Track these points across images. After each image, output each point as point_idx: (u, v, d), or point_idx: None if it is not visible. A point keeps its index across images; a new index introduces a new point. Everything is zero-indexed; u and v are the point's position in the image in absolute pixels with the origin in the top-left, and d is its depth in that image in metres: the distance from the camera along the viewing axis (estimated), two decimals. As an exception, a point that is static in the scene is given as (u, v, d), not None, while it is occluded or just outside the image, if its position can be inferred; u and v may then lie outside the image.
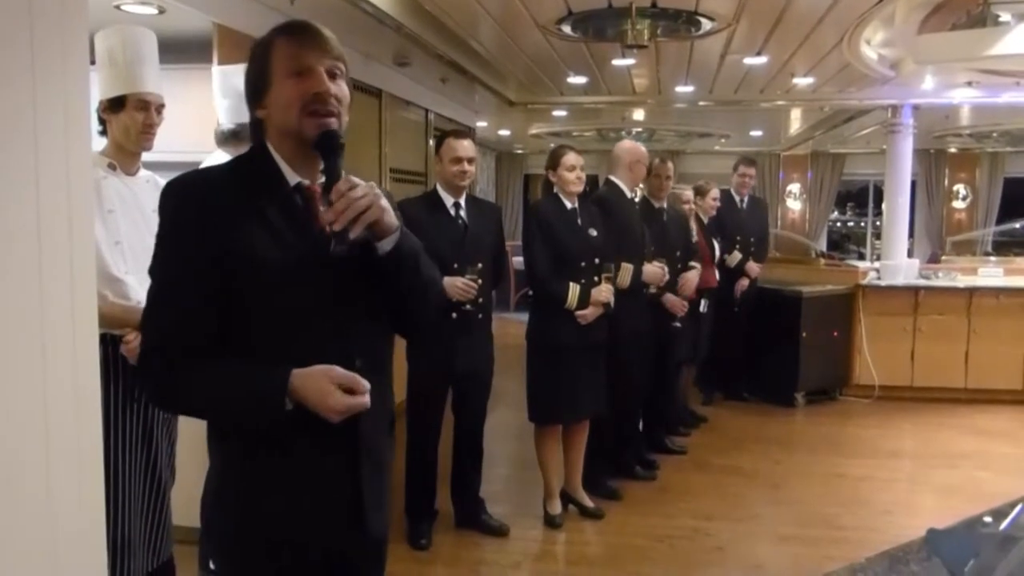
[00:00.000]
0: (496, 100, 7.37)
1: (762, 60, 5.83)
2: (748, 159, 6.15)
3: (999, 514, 1.18)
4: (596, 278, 3.58)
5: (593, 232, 3.64)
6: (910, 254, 7.82)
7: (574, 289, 3.51)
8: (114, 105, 2.36)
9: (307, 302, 1.38)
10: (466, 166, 3.37)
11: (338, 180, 1.33)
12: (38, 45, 1.59)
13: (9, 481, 1.56)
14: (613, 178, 4.07)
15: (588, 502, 3.89)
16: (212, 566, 1.48)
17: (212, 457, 1.47)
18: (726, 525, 3.81)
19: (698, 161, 12.48)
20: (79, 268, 1.71)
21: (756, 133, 11.08)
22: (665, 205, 4.55)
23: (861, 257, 12.36)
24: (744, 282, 5.77)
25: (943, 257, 10.01)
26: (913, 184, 8.50)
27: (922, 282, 6.36)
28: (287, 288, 1.36)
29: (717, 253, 5.46)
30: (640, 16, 4.54)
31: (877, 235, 11.61)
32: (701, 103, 7.77)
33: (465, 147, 3.39)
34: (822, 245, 12.51)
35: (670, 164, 4.57)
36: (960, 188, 11.94)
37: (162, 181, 2.43)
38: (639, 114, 9.33)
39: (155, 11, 3.42)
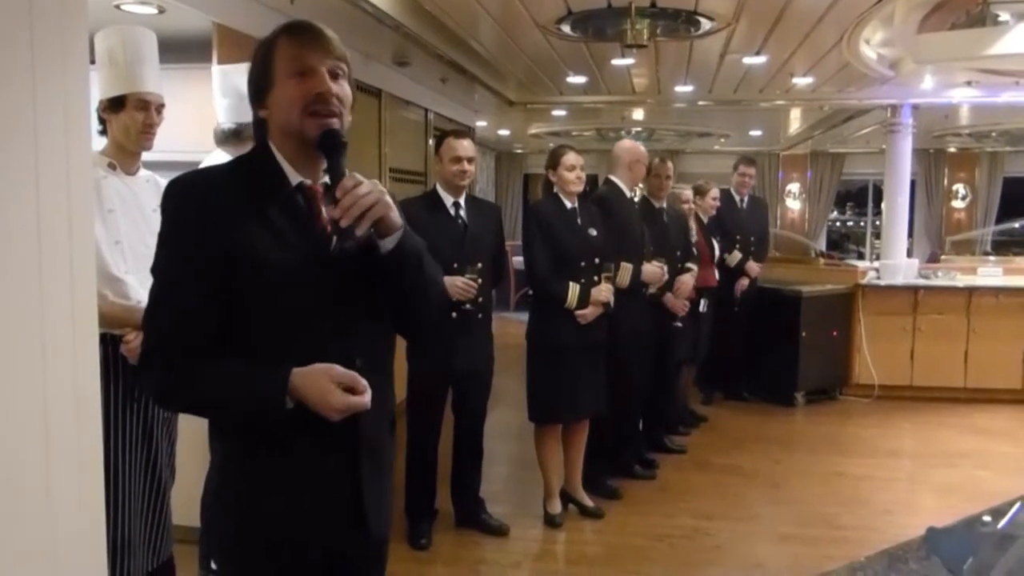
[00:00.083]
0: (496, 100, 7.37)
1: (761, 60, 5.83)
2: (748, 159, 6.15)
3: (998, 513, 1.18)
4: (596, 278, 3.58)
5: (593, 232, 3.64)
6: (909, 254, 7.82)
7: (574, 289, 3.52)
8: (114, 105, 2.36)
9: (308, 302, 1.38)
10: (466, 166, 3.37)
11: (342, 178, 1.33)
12: (38, 45, 1.59)
13: (9, 481, 1.56)
14: (613, 178, 4.07)
15: (588, 501, 3.89)
16: (214, 566, 1.48)
17: (213, 455, 1.48)
18: (726, 524, 3.81)
19: (698, 161, 12.48)
20: (79, 268, 1.71)
21: (755, 133, 11.08)
22: (665, 205, 4.56)
23: (860, 257, 12.37)
24: (744, 282, 5.77)
25: (942, 257, 10.00)
26: (912, 184, 8.51)
27: (921, 282, 6.36)
28: (288, 288, 1.36)
29: (717, 253, 5.46)
30: (639, 16, 4.54)
31: (876, 235, 11.62)
32: (700, 103, 7.77)
33: (465, 147, 3.39)
34: (821, 245, 12.51)
35: (670, 164, 4.57)
36: (959, 188, 11.94)
37: (162, 181, 2.43)
38: (639, 114, 9.33)
39: (155, 11, 3.42)
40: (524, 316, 3.86)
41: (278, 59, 1.39)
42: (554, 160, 3.65)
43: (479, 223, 3.46)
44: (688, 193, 5.03)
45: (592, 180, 4.71)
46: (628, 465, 4.34)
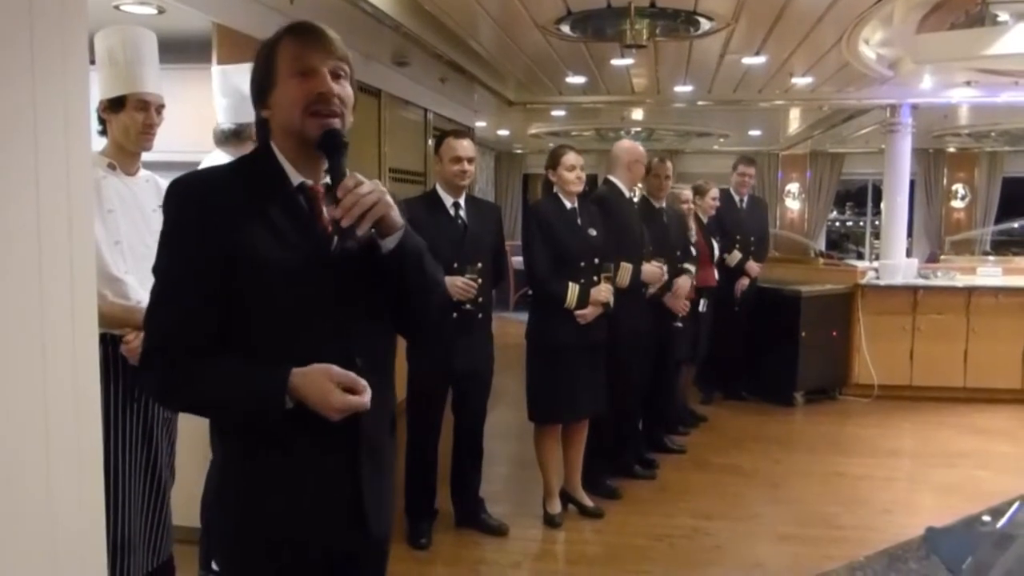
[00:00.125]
0: (495, 100, 7.37)
1: (761, 60, 5.83)
2: (747, 158, 6.15)
3: (997, 512, 1.18)
4: (595, 278, 3.58)
5: (593, 232, 3.64)
6: (909, 253, 7.82)
7: (573, 289, 3.52)
8: (114, 105, 2.36)
9: (308, 302, 1.38)
10: (466, 166, 3.37)
11: (343, 178, 1.34)
12: (38, 45, 1.59)
13: (9, 481, 1.56)
14: (612, 178, 4.07)
15: (588, 501, 3.89)
16: (215, 567, 1.49)
17: (214, 454, 1.48)
18: (725, 524, 3.81)
19: (697, 160, 12.49)
20: (79, 268, 1.71)
21: (755, 133, 11.09)
22: (664, 205, 4.56)
23: (860, 256, 12.38)
24: (744, 281, 5.77)
25: (942, 256, 10.01)
26: (912, 183, 8.51)
27: (921, 281, 6.37)
28: (289, 288, 1.36)
29: (716, 253, 5.46)
30: (639, 16, 4.54)
31: (876, 234, 11.62)
32: (700, 103, 7.77)
33: (465, 147, 3.40)
34: (821, 245, 12.52)
35: (669, 164, 4.57)
36: (959, 187, 11.95)
37: (162, 181, 2.43)
38: (638, 114, 9.33)
39: (155, 11, 3.42)
40: (524, 316, 3.87)
41: (280, 59, 1.40)
42: (554, 160, 3.65)
43: (479, 223, 3.46)
44: (688, 193, 5.03)
45: (592, 180, 4.71)
46: (628, 465, 4.34)
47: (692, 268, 4.71)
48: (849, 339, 6.30)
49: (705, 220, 5.41)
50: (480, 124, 8.88)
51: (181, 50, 3.28)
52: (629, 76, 6.78)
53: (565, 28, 4.96)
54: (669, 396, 4.89)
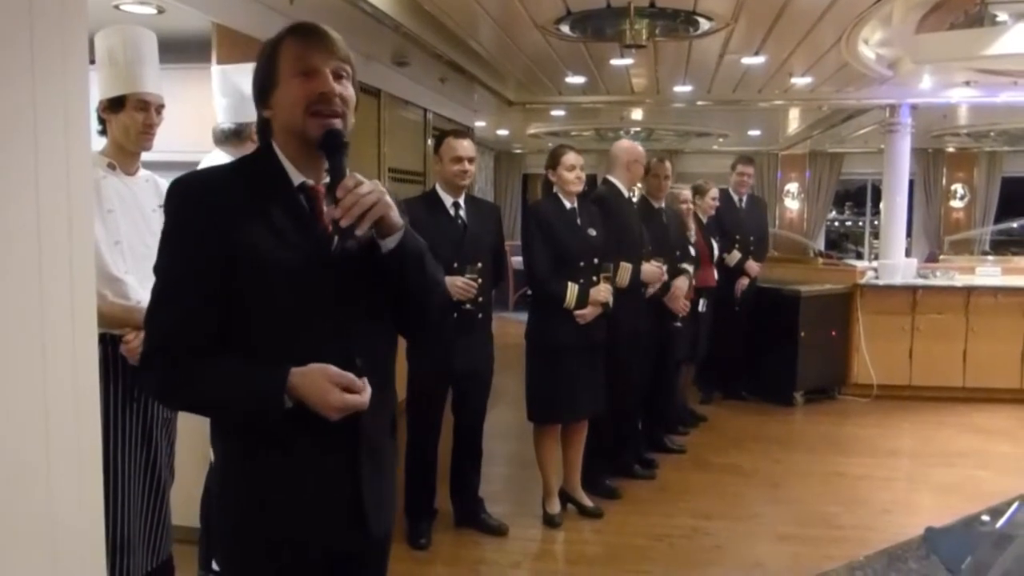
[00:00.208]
0: (495, 100, 7.37)
1: (760, 60, 5.83)
2: (746, 158, 6.15)
3: (996, 512, 1.18)
4: (595, 278, 3.58)
5: (592, 232, 3.64)
6: (908, 253, 7.82)
7: (573, 289, 3.52)
8: (114, 105, 2.36)
9: (309, 302, 1.38)
10: (467, 165, 3.37)
11: (343, 178, 1.34)
12: (38, 45, 1.59)
13: (9, 481, 1.56)
14: (611, 178, 4.07)
15: (587, 501, 3.89)
16: (215, 567, 1.49)
17: (215, 454, 1.49)
18: (725, 524, 3.81)
19: (696, 160, 12.49)
20: (79, 268, 1.71)
21: (754, 132, 11.08)
22: (663, 205, 4.56)
23: (859, 256, 12.37)
24: (744, 281, 5.78)
25: (941, 256, 10.01)
26: (911, 183, 8.51)
27: (920, 281, 6.37)
28: (289, 288, 1.37)
29: (716, 253, 5.46)
30: (638, 16, 4.54)
31: (875, 234, 11.62)
32: (699, 103, 7.77)
33: (465, 147, 3.40)
34: (820, 244, 12.52)
35: (668, 163, 4.58)
36: (958, 187, 11.95)
37: (162, 181, 2.43)
38: (637, 114, 9.33)
39: (154, 11, 3.42)
40: (523, 316, 3.87)
41: (283, 59, 1.40)
42: (554, 160, 3.65)
43: (479, 223, 3.46)
44: (687, 193, 5.03)
45: (591, 180, 4.70)
46: (627, 465, 4.34)
47: (690, 268, 4.70)
48: (848, 339, 6.31)
49: (704, 220, 5.42)
50: (480, 124, 8.88)
51: (181, 50, 3.28)
52: (628, 76, 6.78)
53: (565, 28, 4.96)
54: (669, 396, 4.90)
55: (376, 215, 1.33)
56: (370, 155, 5.37)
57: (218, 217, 1.34)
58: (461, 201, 3.43)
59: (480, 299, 3.37)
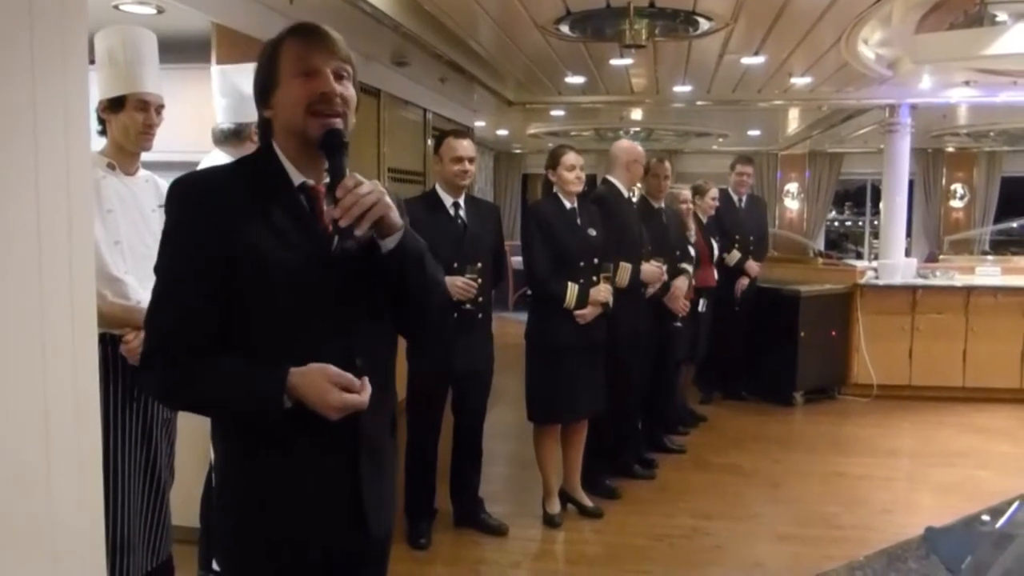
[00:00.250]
0: (494, 100, 7.37)
1: (760, 60, 5.83)
2: (745, 158, 6.16)
3: (996, 512, 1.19)
4: (595, 278, 3.58)
5: (592, 232, 3.64)
6: (908, 253, 7.82)
7: (573, 289, 3.52)
8: (114, 105, 2.36)
9: (309, 302, 1.38)
10: (467, 165, 3.37)
11: (343, 178, 1.34)
12: (38, 45, 1.59)
13: (9, 481, 1.56)
14: (610, 178, 4.07)
15: (587, 501, 3.89)
16: (215, 567, 1.49)
17: (216, 454, 1.49)
18: (725, 524, 3.81)
19: (696, 160, 12.49)
20: (79, 268, 1.71)
21: (754, 132, 11.09)
22: (663, 205, 4.56)
23: (859, 256, 12.38)
24: (744, 281, 5.78)
25: (941, 256, 10.02)
26: (911, 183, 8.51)
27: (920, 281, 6.37)
28: (289, 288, 1.37)
29: (715, 252, 5.46)
30: (638, 16, 4.54)
31: (875, 234, 11.63)
32: (699, 103, 7.77)
33: (465, 147, 3.40)
34: (820, 244, 12.52)
35: (667, 163, 4.58)
36: (958, 187, 11.95)
37: (162, 181, 2.43)
38: (637, 114, 9.33)
39: (154, 11, 3.42)
40: (523, 316, 3.87)
41: (283, 59, 1.40)
42: (554, 160, 3.65)
43: (478, 223, 3.46)
44: (687, 193, 5.03)
45: (591, 180, 4.71)
46: (627, 465, 4.34)
47: (689, 268, 4.70)
48: (848, 339, 6.31)
49: (704, 220, 5.42)
50: (479, 124, 8.88)
51: (181, 50, 3.28)
52: (628, 76, 6.78)
53: (564, 28, 4.96)
54: (669, 396, 4.90)
55: (376, 215, 1.33)
56: (370, 155, 5.37)
57: (218, 217, 1.34)
58: (461, 201, 3.43)
59: (480, 299, 3.37)
